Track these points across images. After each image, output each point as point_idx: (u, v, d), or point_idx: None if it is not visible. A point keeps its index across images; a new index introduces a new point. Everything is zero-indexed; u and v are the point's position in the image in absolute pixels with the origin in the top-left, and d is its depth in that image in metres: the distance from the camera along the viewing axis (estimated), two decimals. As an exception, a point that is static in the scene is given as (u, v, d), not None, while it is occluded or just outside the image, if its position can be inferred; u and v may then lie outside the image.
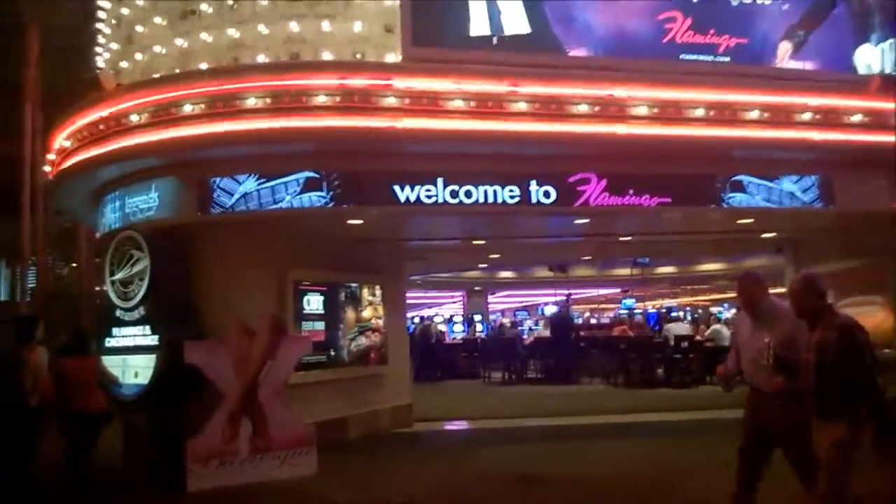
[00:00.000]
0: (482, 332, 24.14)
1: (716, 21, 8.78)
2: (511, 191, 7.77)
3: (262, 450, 7.43)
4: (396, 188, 7.52)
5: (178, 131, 7.21)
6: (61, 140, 8.78)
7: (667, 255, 18.34)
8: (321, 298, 9.25)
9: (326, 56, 7.76)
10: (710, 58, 8.74)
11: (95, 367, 7.08)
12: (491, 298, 30.75)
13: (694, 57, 8.69)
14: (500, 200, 7.75)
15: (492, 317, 29.85)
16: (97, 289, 32.87)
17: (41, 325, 7.27)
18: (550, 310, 28.43)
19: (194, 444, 7.13)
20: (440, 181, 7.59)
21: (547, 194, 7.87)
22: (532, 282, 27.23)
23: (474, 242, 10.06)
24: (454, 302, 31.88)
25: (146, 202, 8.18)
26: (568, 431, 10.01)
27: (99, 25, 9.79)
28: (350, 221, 8.03)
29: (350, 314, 9.75)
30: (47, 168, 9.54)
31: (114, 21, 9.40)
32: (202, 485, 7.06)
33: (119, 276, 7.99)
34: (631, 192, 7.92)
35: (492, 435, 10.05)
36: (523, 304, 35.37)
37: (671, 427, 10.14)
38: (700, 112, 7.90)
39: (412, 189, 7.55)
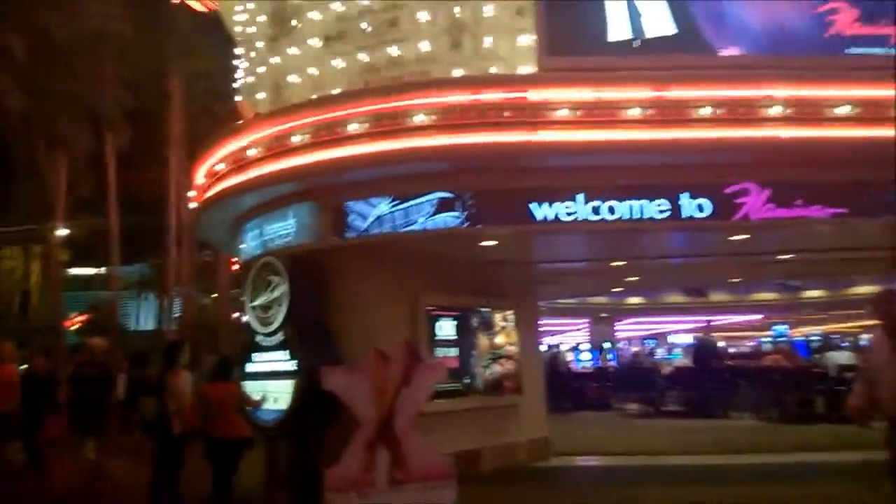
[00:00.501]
0: (611, 360, 23.02)
1: (887, 10, 7.81)
2: (659, 205, 7.14)
3: (400, 481, 7.11)
4: (533, 206, 7.11)
5: (326, 154, 7.22)
6: (205, 171, 9.13)
7: (821, 276, 16.61)
8: (453, 324, 8.96)
9: (457, 72, 7.54)
10: (881, 50, 7.76)
11: (236, 393, 7.11)
12: (617, 325, 29.46)
13: (862, 50, 7.75)
14: (646, 216, 7.14)
15: (618, 345, 28.54)
16: (234, 317, 34.73)
17: (187, 350, 7.42)
18: (682, 338, 26.78)
19: (332, 473, 6.94)
20: (580, 197, 7.10)
21: (700, 208, 7.17)
22: (662, 308, 25.79)
23: (612, 264, 9.43)
24: (577, 329, 30.83)
25: (284, 228, 8.27)
26: (724, 472, 9.00)
27: (235, 62, 10.18)
28: (483, 243, 7.69)
29: (483, 340, 9.39)
30: (192, 195, 9.94)
31: (252, 54, 9.73)
32: (341, 516, 6.85)
33: (259, 301, 8.07)
34: (799, 202, 7.06)
35: (639, 474, 9.25)
36: (651, 333, 33.68)
37: (840, 468, 8.88)
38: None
39: (550, 206, 7.11)
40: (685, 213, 7.18)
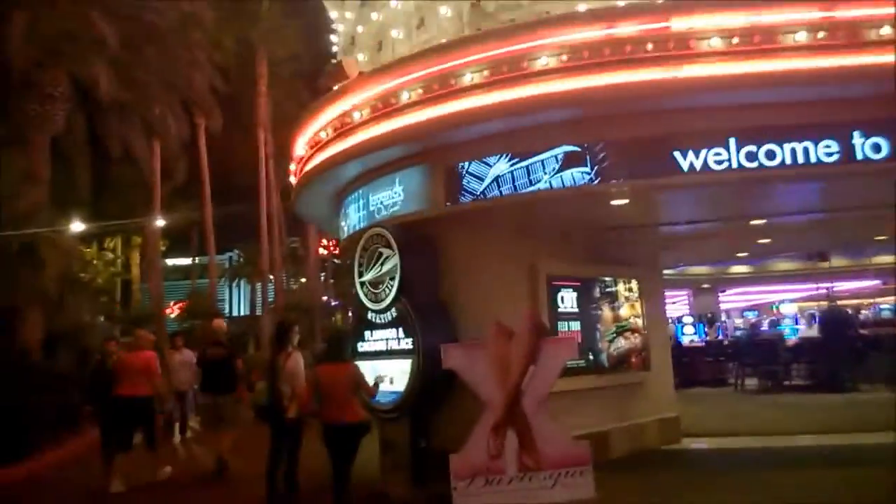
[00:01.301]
0: (720, 333, 21.59)
1: None
2: (827, 146, 6.09)
3: (531, 468, 6.46)
4: (677, 155, 6.20)
5: (441, 109, 6.53)
6: (305, 142, 8.64)
7: None
8: (575, 295, 8.16)
9: (583, 6, 6.66)
10: None
11: (350, 374, 6.54)
12: (721, 297, 27.76)
13: None
14: (812, 160, 6.10)
15: (725, 317, 26.92)
16: (324, 300, 35.00)
17: (297, 331, 6.96)
18: (792, 308, 24.89)
19: (457, 460, 6.36)
20: (732, 141, 6.14)
21: (877, 148, 6.08)
22: (771, 276, 24.02)
23: (752, 223, 8.36)
24: (675, 302, 29.28)
25: (391, 197, 7.67)
26: (862, 452, 7.93)
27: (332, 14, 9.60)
28: (615, 202, 6.83)
29: (606, 313, 8.55)
30: (291, 169, 9.50)
31: (347, 14, 9.14)
32: (468, 505, 6.25)
33: (368, 276, 7.53)
34: None
35: (773, 456, 8.26)
36: (754, 303, 31.66)
37: None
38: None
39: (696, 155, 6.19)
40: (858, 155, 6.10)
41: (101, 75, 13.81)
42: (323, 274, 41.50)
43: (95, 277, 26.00)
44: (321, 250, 40.10)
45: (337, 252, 46.93)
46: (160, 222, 24.36)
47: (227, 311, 47.02)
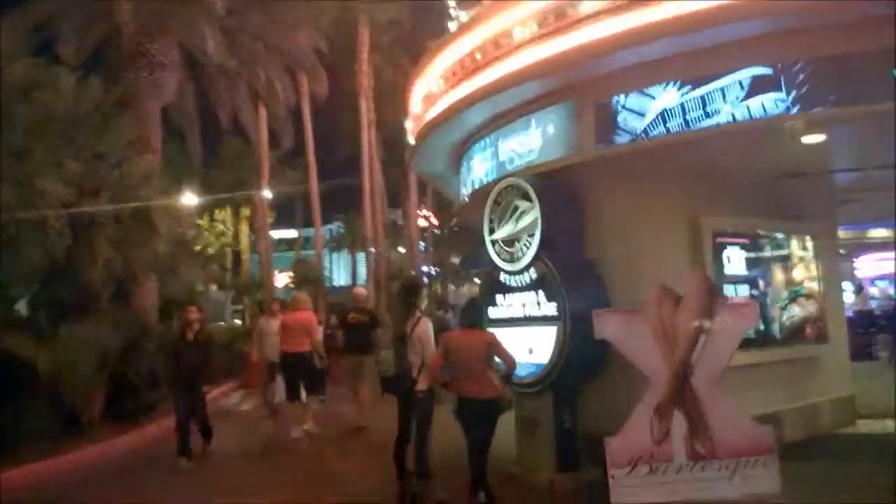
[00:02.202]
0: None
1: None
2: None
3: (703, 456, 5.41)
4: (903, 73, 4.86)
5: (585, 33, 5.48)
6: (422, 92, 7.80)
7: None
8: (743, 254, 6.95)
9: None
10: None
11: (486, 342, 5.63)
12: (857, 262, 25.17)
13: None
14: None
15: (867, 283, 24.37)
16: (424, 269, 34.71)
17: (423, 295, 6.15)
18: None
19: (616, 444, 5.40)
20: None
21: None
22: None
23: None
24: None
25: (525, 144, 6.69)
26: None
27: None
28: (808, 139, 5.54)
29: (778, 275, 7.29)
30: (408, 125, 8.71)
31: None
32: (629, 498, 5.31)
33: (501, 233, 6.61)
34: None
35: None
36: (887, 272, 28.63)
37: None
38: None
39: (929, 72, 4.82)
40: None
41: (209, 39, 13.46)
42: (422, 244, 41.27)
43: (206, 247, 26.57)
44: (420, 221, 39.88)
45: (436, 222, 46.75)
46: (268, 193, 24.47)
47: (329, 280, 47.71)
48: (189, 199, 16.66)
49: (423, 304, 6.04)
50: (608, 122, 5.88)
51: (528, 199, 6.25)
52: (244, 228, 33.45)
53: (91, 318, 9.79)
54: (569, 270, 6.08)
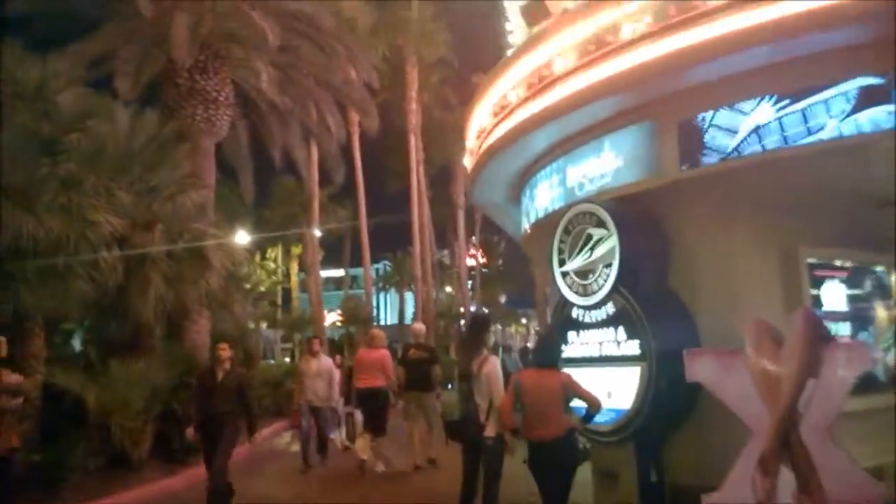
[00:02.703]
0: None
1: None
2: None
3: (814, 517, 4.72)
4: None
5: (676, 40, 5.02)
6: (483, 113, 7.42)
7: None
8: (843, 288, 6.25)
9: None
10: None
11: (563, 383, 5.09)
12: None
13: None
14: None
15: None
16: (472, 309, 34.18)
17: (492, 331, 5.66)
18: None
19: (714, 502, 4.79)
20: None
21: None
22: None
23: None
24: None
25: (597, 167, 6.21)
26: None
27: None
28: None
29: (880, 312, 6.55)
30: (468, 148, 8.33)
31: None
32: (728, 566, 4.64)
33: (573, 265, 6.09)
34: None
35: None
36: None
37: None
38: None
39: None
40: None
41: (262, 74, 13.46)
42: (470, 282, 40.85)
43: (257, 285, 26.64)
44: (468, 260, 39.54)
45: (484, 261, 46.30)
46: (317, 232, 24.45)
47: (377, 319, 47.54)
48: (241, 237, 16.60)
49: (491, 340, 5.53)
50: (694, 141, 5.37)
51: (604, 226, 5.73)
52: (294, 266, 33.58)
53: (142, 354, 9.58)
54: (652, 304, 5.52)
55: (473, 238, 40.67)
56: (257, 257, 29.22)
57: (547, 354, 5.10)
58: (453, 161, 32.38)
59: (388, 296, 52.49)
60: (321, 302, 24.69)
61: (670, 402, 5.31)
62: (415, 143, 27.54)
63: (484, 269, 45.86)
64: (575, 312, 6.13)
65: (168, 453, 9.27)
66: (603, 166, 6.14)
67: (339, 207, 28.37)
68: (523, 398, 4.96)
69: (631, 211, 5.78)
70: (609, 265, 5.68)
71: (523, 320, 63.32)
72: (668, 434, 5.56)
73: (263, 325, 26.00)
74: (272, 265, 31.38)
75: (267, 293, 27.73)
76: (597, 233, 5.82)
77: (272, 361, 26.33)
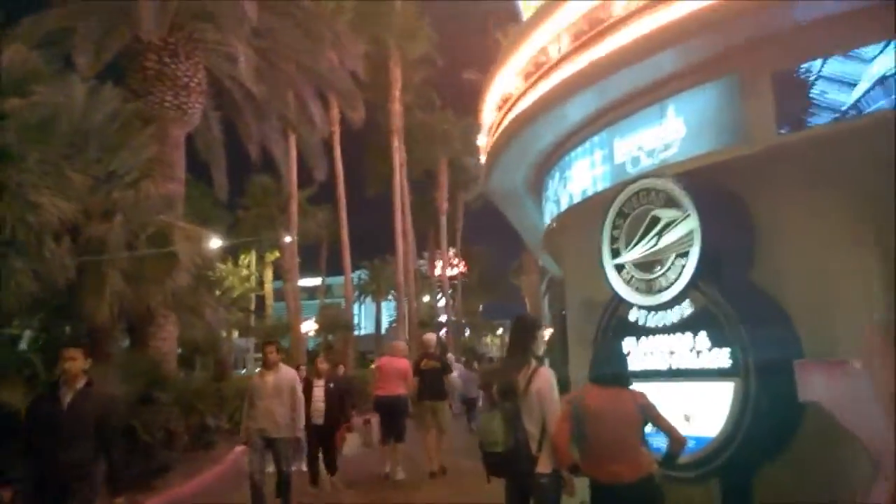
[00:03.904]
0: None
1: None
2: None
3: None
4: None
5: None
6: (504, 85, 6.29)
7: None
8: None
9: None
10: None
11: (640, 406, 3.85)
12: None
13: None
14: None
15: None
16: (462, 321, 32.97)
17: (540, 337, 4.44)
18: None
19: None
20: None
21: None
22: None
23: None
24: None
25: (658, 137, 5.08)
26: None
27: None
28: None
29: None
30: (480, 139, 7.19)
31: None
32: None
33: (632, 254, 4.94)
34: None
35: None
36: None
37: None
38: None
39: None
40: None
41: (240, 57, 12.18)
42: (450, 292, 39.73)
43: (230, 290, 25.10)
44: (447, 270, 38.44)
45: (465, 270, 45.13)
46: (294, 237, 22.98)
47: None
48: (214, 242, 15.23)
49: (541, 348, 4.31)
50: (796, 97, 4.26)
51: (677, 205, 4.59)
52: (268, 273, 32.03)
53: (97, 363, 8.18)
54: (747, 304, 4.37)
55: (452, 250, 39.48)
56: (229, 263, 27.66)
57: (613, 367, 3.89)
58: (436, 166, 31.26)
59: (363, 306, 51.00)
60: (299, 308, 23.24)
61: (771, 427, 4.16)
62: (398, 146, 26.29)
63: (466, 279, 44.75)
64: (633, 315, 4.97)
65: (127, 477, 7.92)
66: (665, 135, 5.01)
67: (317, 210, 26.96)
68: (586, 426, 3.75)
69: (708, 188, 4.64)
70: (685, 254, 4.53)
71: (499, 331, 62.35)
72: (760, 466, 4.40)
73: (235, 333, 24.50)
74: (245, 271, 29.80)
75: (239, 299, 26.17)
76: (666, 214, 4.68)
77: (244, 372, 24.80)
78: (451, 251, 39.30)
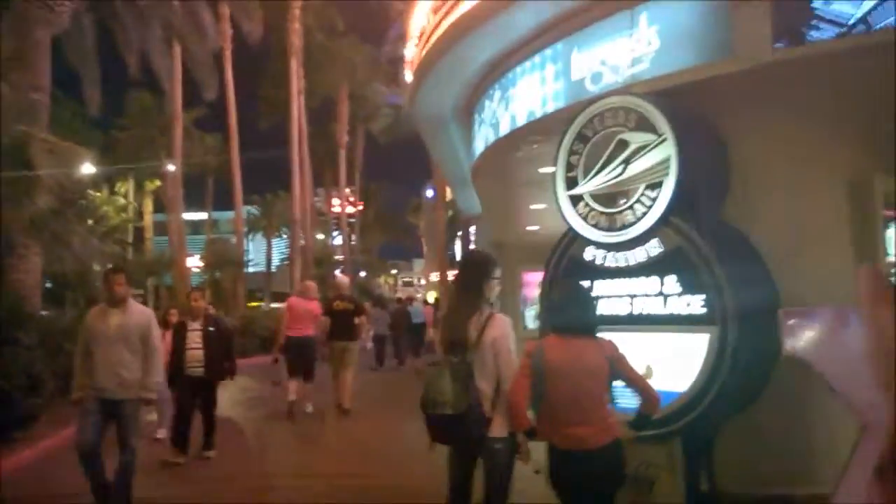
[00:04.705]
0: None
1: None
2: None
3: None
4: None
5: None
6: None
7: None
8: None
9: None
10: None
11: (603, 359, 3.20)
12: None
13: None
14: None
15: None
16: (357, 257, 32.00)
17: (494, 276, 3.68)
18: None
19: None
20: None
21: None
22: None
23: None
24: None
25: (625, 49, 4.41)
26: None
27: None
28: None
29: None
30: (408, 54, 6.27)
31: None
32: None
33: (592, 184, 4.30)
34: None
35: None
36: None
37: None
38: None
39: None
40: None
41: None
42: (344, 231, 38.68)
43: (104, 220, 22.83)
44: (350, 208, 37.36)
45: (361, 207, 43.96)
46: (171, 167, 20.93)
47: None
48: (85, 163, 13.38)
49: (495, 291, 3.59)
50: (797, 8, 3.68)
51: (651, 129, 3.96)
52: (148, 204, 29.62)
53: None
54: (723, 245, 3.84)
55: (350, 188, 38.17)
56: (105, 191, 25.15)
57: (576, 314, 3.25)
58: (337, 94, 29.62)
59: (251, 243, 48.84)
60: (185, 242, 21.45)
61: (746, 383, 3.72)
62: (296, 69, 24.44)
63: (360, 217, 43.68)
64: (590, 254, 4.36)
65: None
66: (635, 48, 4.35)
67: (205, 136, 24.80)
68: (549, 380, 3.12)
69: (683, 110, 4.04)
70: (657, 185, 3.94)
71: (393, 271, 62.04)
72: (723, 425, 3.98)
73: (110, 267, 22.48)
74: (122, 200, 27.28)
75: (115, 230, 23.89)
76: (637, 138, 4.04)
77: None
78: (349, 189, 38.02)
